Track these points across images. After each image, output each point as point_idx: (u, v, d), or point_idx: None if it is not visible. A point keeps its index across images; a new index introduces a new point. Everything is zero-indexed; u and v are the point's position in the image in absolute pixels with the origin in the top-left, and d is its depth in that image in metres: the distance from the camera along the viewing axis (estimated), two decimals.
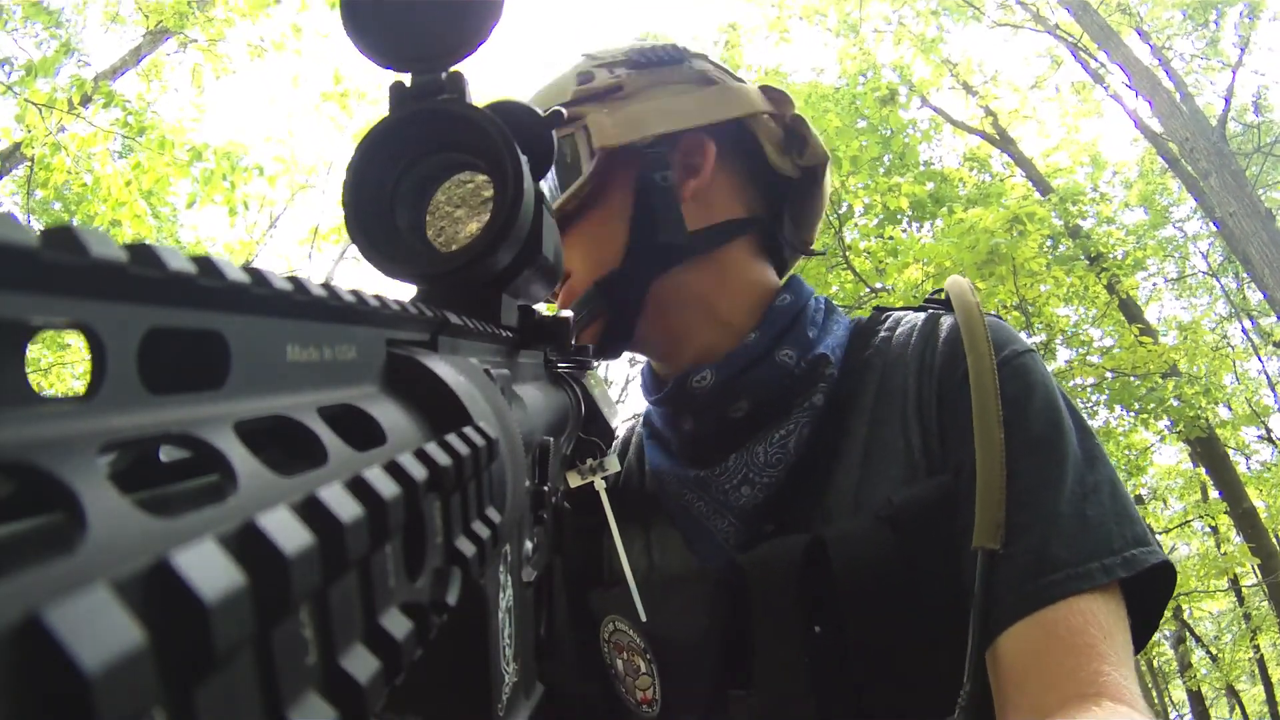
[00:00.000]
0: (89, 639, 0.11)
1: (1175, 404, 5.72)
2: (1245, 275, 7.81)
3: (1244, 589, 8.29)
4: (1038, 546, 0.59)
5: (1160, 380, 5.79)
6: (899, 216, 6.04)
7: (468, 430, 0.28)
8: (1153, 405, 5.75)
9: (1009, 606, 0.58)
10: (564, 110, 0.70)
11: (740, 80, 0.81)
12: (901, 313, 0.79)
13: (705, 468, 0.73)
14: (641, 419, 0.86)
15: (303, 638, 0.17)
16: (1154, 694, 6.05)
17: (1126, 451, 7.02)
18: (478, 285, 0.45)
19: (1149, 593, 0.61)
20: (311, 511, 0.17)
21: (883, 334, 0.77)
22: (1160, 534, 9.43)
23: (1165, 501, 9.15)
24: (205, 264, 0.17)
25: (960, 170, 7.24)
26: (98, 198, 5.27)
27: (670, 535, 0.75)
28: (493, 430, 0.31)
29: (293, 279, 0.21)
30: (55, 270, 0.13)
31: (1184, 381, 5.86)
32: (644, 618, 0.67)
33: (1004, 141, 7.59)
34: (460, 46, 0.43)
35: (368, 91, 6.87)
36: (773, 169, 0.79)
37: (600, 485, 0.70)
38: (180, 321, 0.17)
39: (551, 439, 0.50)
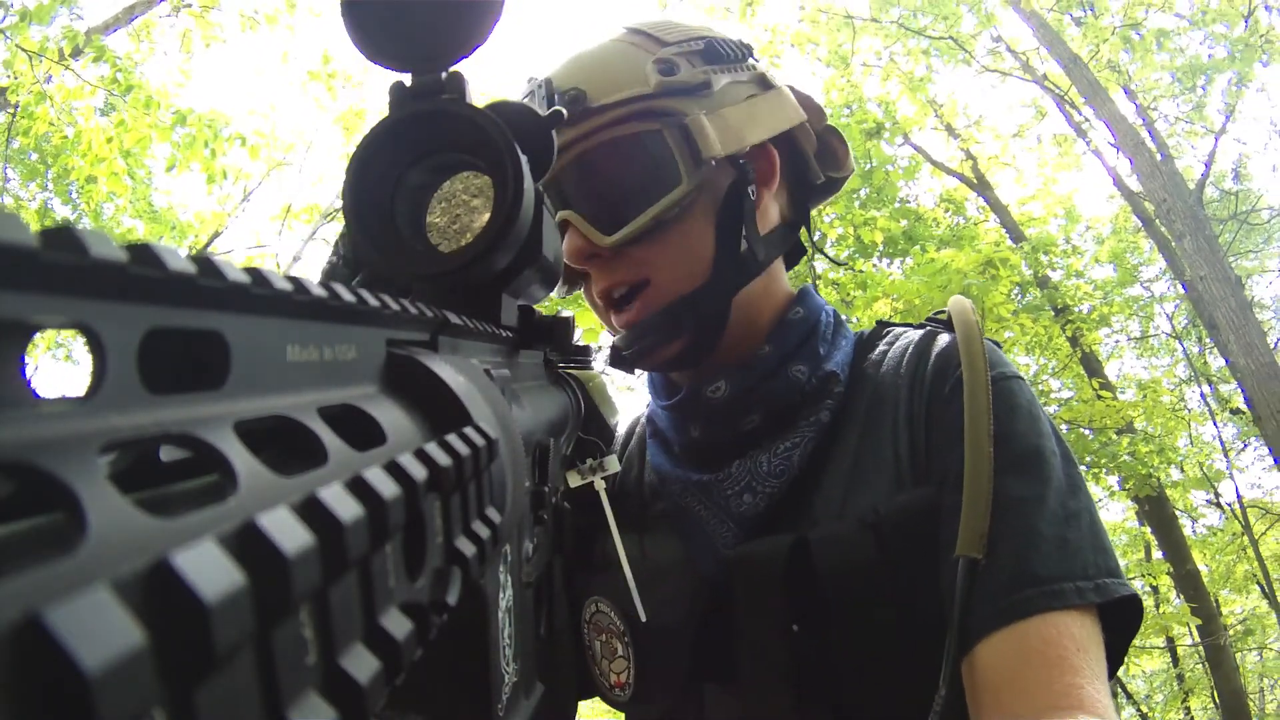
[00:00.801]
0: (89, 639, 0.11)
1: (1128, 460, 5.80)
2: (1208, 340, 7.88)
3: (1179, 649, 8.36)
4: (1017, 561, 0.60)
5: (1114, 436, 5.85)
6: (871, 250, 6.07)
7: (468, 430, 0.28)
8: (1105, 460, 5.83)
9: (986, 617, 0.59)
10: (590, 104, 0.69)
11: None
12: (902, 329, 0.80)
13: (709, 472, 0.73)
14: (645, 418, 0.85)
15: (303, 638, 0.17)
16: None
17: None
18: (478, 285, 0.45)
19: (1116, 627, 0.61)
20: (311, 511, 0.17)
21: (881, 347, 0.77)
22: None
23: None
24: (205, 264, 0.17)
25: (935, 210, 7.26)
26: (77, 152, 5.27)
27: (665, 529, 0.76)
28: (493, 430, 0.31)
29: (293, 279, 0.21)
30: (55, 270, 0.13)
31: (1139, 439, 5.92)
32: (644, 618, 0.68)
33: (981, 186, 7.64)
34: (460, 46, 0.43)
35: (354, 75, 6.85)
36: (812, 177, 0.80)
37: (600, 485, 0.70)
38: (180, 321, 0.17)
39: (551, 439, 0.50)
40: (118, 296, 0.15)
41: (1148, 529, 7.16)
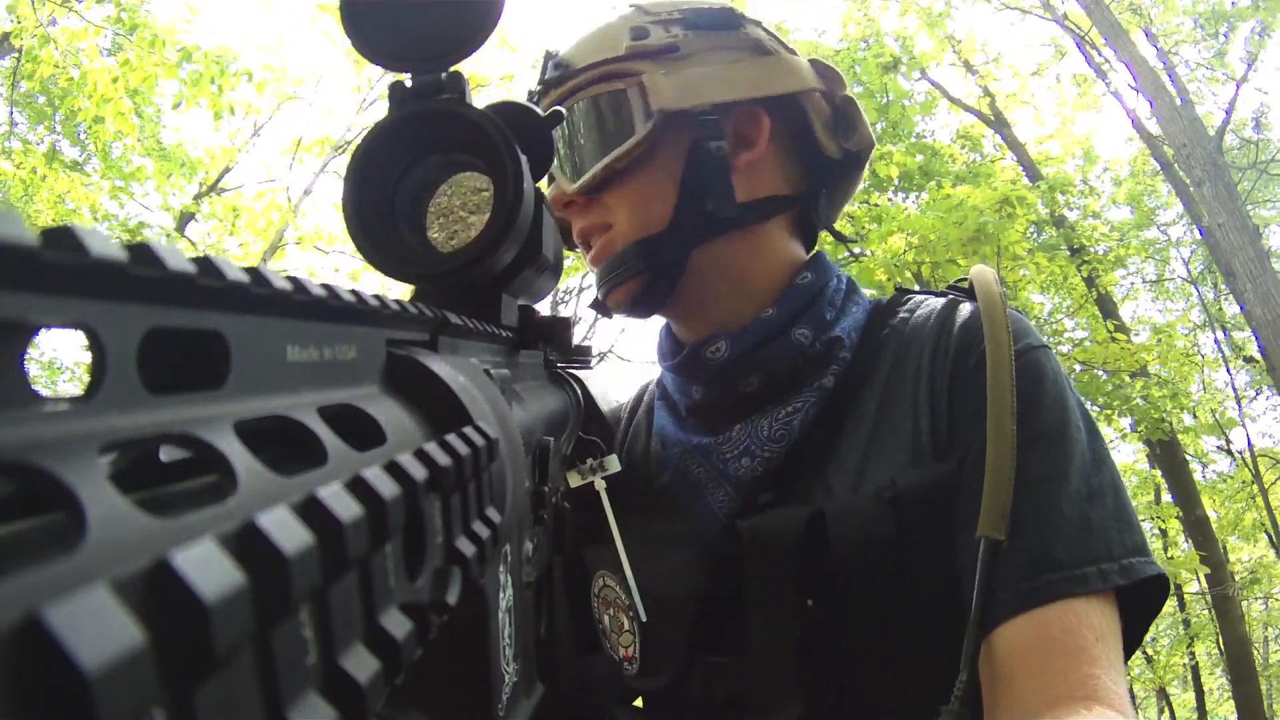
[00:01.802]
0: (89, 639, 0.11)
1: (1140, 403, 5.74)
2: (1224, 287, 7.83)
3: (1186, 595, 8.35)
4: (1038, 544, 0.59)
5: (1128, 379, 5.80)
6: (886, 185, 6.02)
7: (468, 430, 0.28)
8: (1118, 403, 5.77)
9: (1005, 602, 0.59)
10: (570, 69, 0.74)
11: (793, 52, 0.81)
12: (923, 296, 0.79)
13: (710, 435, 0.74)
14: (656, 381, 0.87)
15: (303, 638, 0.17)
16: None
17: None
18: (478, 285, 0.45)
19: (1139, 604, 0.61)
20: (311, 511, 0.17)
21: (901, 315, 0.77)
22: None
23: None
24: (205, 264, 0.17)
25: (951, 147, 7.19)
26: (83, 93, 5.25)
27: (669, 502, 0.76)
28: (493, 430, 0.30)
29: (293, 279, 0.21)
30: (55, 270, 0.13)
31: (1152, 383, 5.87)
32: (644, 618, 0.68)
33: (999, 123, 7.55)
34: (460, 46, 0.43)
35: None
36: (819, 148, 0.80)
37: (600, 485, 0.70)
38: (180, 321, 0.17)
39: (551, 439, 0.50)
40: (118, 296, 0.15)
41: (1158, 472, 7.11)
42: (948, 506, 0.64)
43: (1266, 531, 8.75)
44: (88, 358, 0.15)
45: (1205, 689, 9.29)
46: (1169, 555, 7.47)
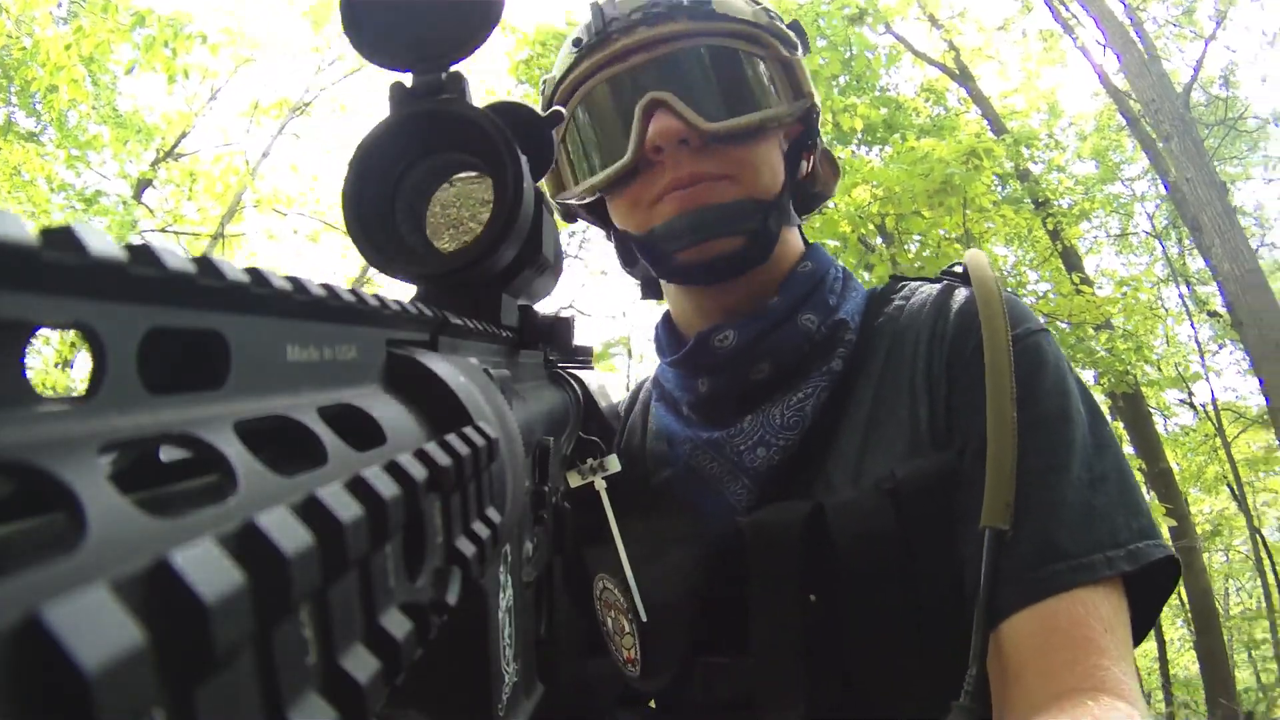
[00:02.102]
0: (89, 639, 0.11)
1: (1105, 355, 5.71)
2: (1188, 242, 7.82)
3: None
4: (1042, 534, 0.59)
5: (1092, 331, 5.77)
6: (849, 137, 5.98)
7: (468, 430, 0.28)
8: (1081, 355, 5.73)
9: (1011, 594, 0.58)
10: (711, 7, 0.72)
11: None
12: (918, 283, 0.79)
13: (719, 429, 0.73)
14: (652, 380, 0.86)
15: (303, 638, 0.17)
16: None
17: None
18: (478, 285, 0.45)
19: (1149, 587, 0.61)
20: (311, 512, 0.17)
21: (896, 302, 0.77)
22: None
23: None
24: (205, 264, 0.17)
25: (915, 100, 7.13)
26: (36, 62, 5.21)
27: (670, 500, 0.75)
28: (493, 430, 0.30)
29: (293, 279, 0.21)
30: (55, 270, 0.13)
31: (1116, 335, 5.84)
32: (644, 618, 0.67)
33: (963, 77, 7.47)
34: (460, 46, 0.43)
35: None
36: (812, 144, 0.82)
37: (601, 485, 0.69)
38: (180, 321, 0.17)
39: (551, 439, 0.50)
40: (118, 296, 0.15)
41: (1120, 424, 7.10)
42: (948, 497, 0.63)
43: (1228, 484, 8.80)
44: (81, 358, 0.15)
45: (1166, 639, 9.40)
46: None
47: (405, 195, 0.46)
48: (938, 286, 0.76)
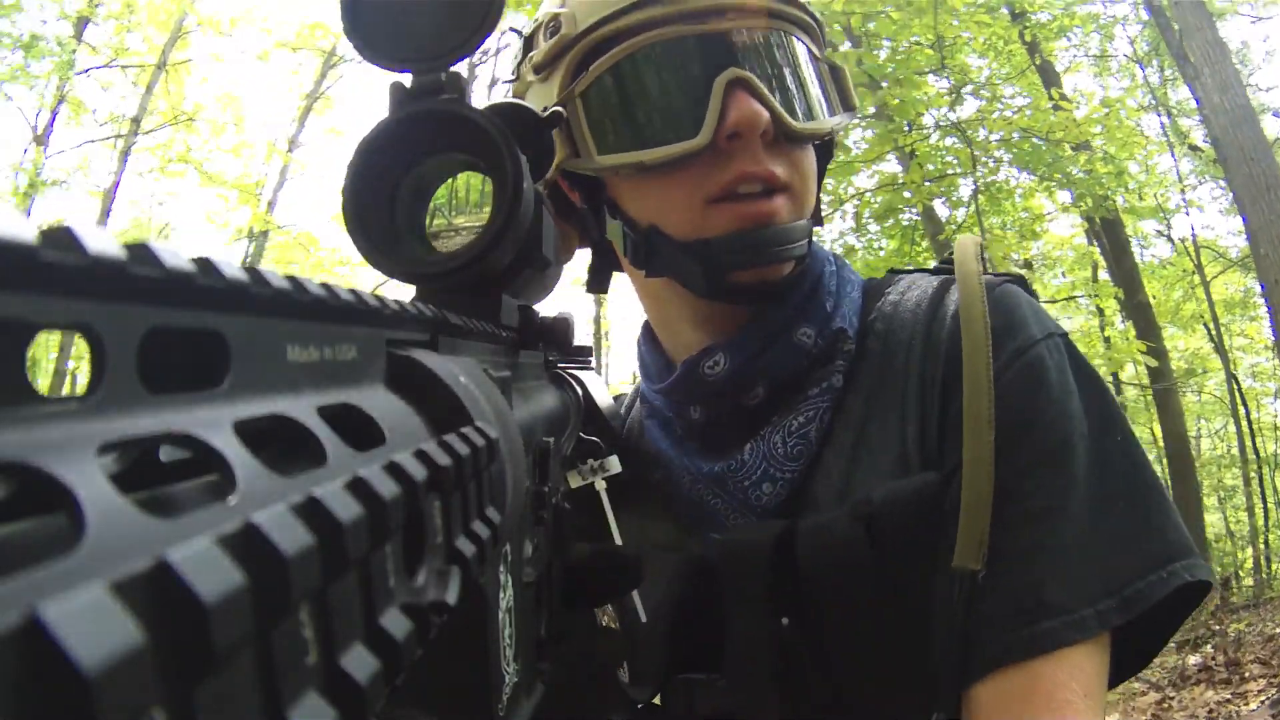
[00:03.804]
0: (88, 639, 0.11)
1: (1081, 177, 5.51)
2: (1170, 71, 7.62)
3: (1122, 381, 8.24)
4: (1032, 584, 0.55)
5: (1070, 151, 5.55)
6: None
7: (468, 430, 0.28)
8: (1057, 175, 5.53)
9: (993, 649, 0.54)
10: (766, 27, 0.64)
11: None
12: (915, 276, 0.73)
13: (718, 458, 0.69)
14: (640, 396, 0.80)
15: (303, 638, 0.17)
16: None
17: (1022, 214, 6.76)
18: (478, 285, 0.45)
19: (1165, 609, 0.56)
20: (311, 512, 0.17)
21: (890, 297, 0.71)
22: (1047, 303, 9.53)
23: (1056, 273, 9.06)
24: (204, 264, 0.17)
25: None
26: None
27: (660, 507, 0.72)
28: (493, 430, 0.31)
29: (292, 279, 0.21)
30: (55, 270, 0.13)
31: (1096, 158, 5.62)
32: (644, 618, 0.67)
33: None
34: (460, 46, 0.43)
35: None
36: None
37: (600, 486, 0.69)
38: (180, 321, 0.17)
39: (551, 439, 0.50)
40: (117, 296, 0.15)
41: (1095, 249, 6.91)
42: (929, 522, 0.58)
43: (1205, 325, 8.65)
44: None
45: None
46: (1105, 336, 7.33)
47: (405, 195, 0.46)
48: (935, 281, 0.70)
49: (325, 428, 0.21)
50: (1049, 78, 6.47)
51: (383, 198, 0.45)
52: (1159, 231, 9.03)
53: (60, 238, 0.14)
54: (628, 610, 0.68)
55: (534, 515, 0.46)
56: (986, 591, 0.55)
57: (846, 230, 6.84)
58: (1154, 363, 5.99)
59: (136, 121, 8.99)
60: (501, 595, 0.38)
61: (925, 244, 6.51)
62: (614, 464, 0.69)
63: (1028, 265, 8.00)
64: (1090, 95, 8.17)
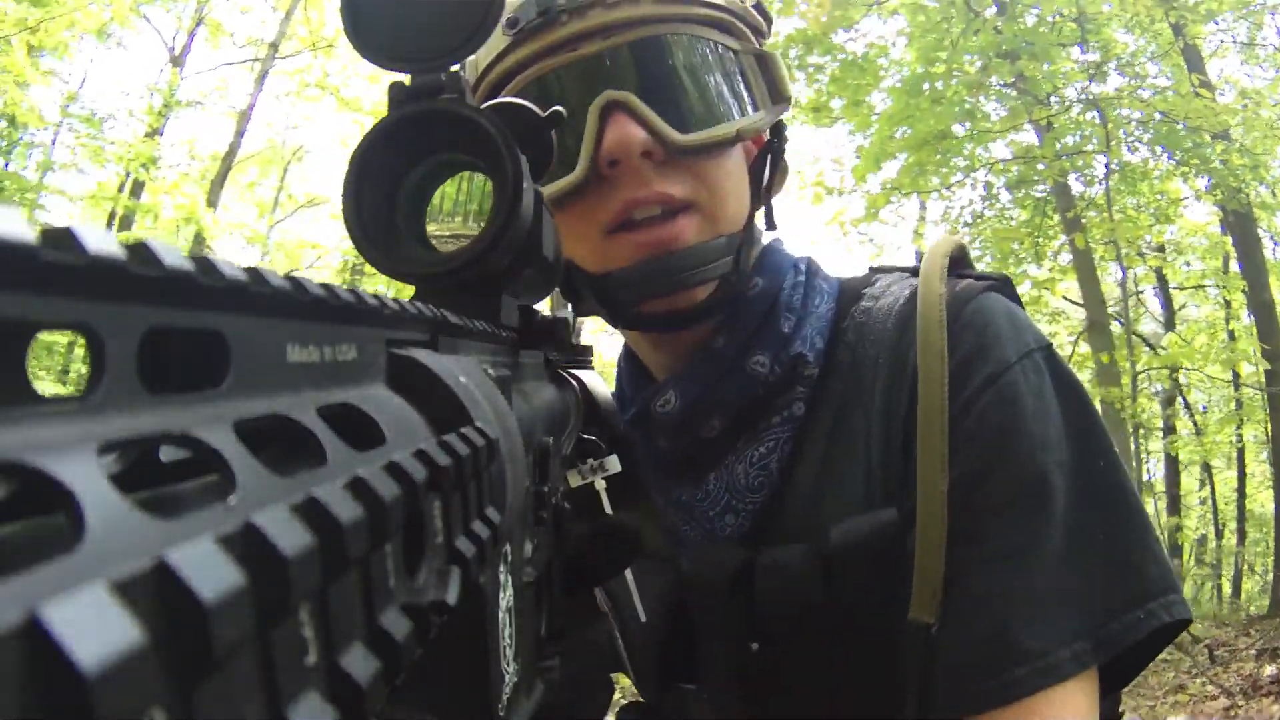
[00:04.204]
0: (88, 639, 0.11)
1: (1219, 166, 5.49)
2: None
3: (1243, 380, 8.16)
4: (999, 631, 0.52)
5: (1209, 139, 5.55)
6: None
7: (468, 430, 0.28)
8: (1195, 161, 5.50)
9: (964, 700, 0.52)
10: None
11: None
12: (894, 276, 0.69)
13: (686, 486, 0.68)
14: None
15: (303, 638, 0.17)
16: (1131, 444, 6.10)
17: (1158, 197, 6.78)
18: (478, 285, 0.45)
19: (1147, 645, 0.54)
20: (311, 512, 0.17)
21: (863, 304, 0.67)
22: (1175, 288, 9.28)
23: (1188, 260, 9.02)
24: (204, 263, 0.17)
25: None
26: None
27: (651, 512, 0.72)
28: (493, 430, 0.31)
29: (292, 278, 0.21)
30: (55, 270, 0.13)
31: (1234, 149, 5.60)
32: (643, 618, 0.67)
33: None
34: (460, 46, 0.43)
35: None
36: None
37: (600, 485, 0.69)
38: (180, 321, 0.17)
39: (551, 439, 0.50)
40: (117, 296, 0.15)
41: (1229, 239, 6.81)
42: (888, 563, 0.56)
43: None
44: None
45: (1247, 471, 9.35)
46: (1229, 329, 7.34)
47: (405, 195, 0.46)
48: (907, 288, 0.65)
49: (325, 428, 0.21)
50: (1193, 61, 6.30)
51: (383, 198, 0.45)
52: None
53: (60, 238, 0.14)
54: (624, 607, 0.68)
55: (534, 515, 0.46)
56: (952, 639, 0.53)
57: (976, 199, 6.86)
58: (1267, 365, 6.02)
59: (274, 46, 9.05)
60: (501, 595, 0.38)
61: (1056, 219, 6.50)
62: (614, 464, 0.69)
63: (1160, 249, 8.00)
64: (1236, 82, 7.96)
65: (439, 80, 0.43)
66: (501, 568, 0.39)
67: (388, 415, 0.25)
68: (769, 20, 0.68)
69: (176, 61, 8.92)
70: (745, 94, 0.65)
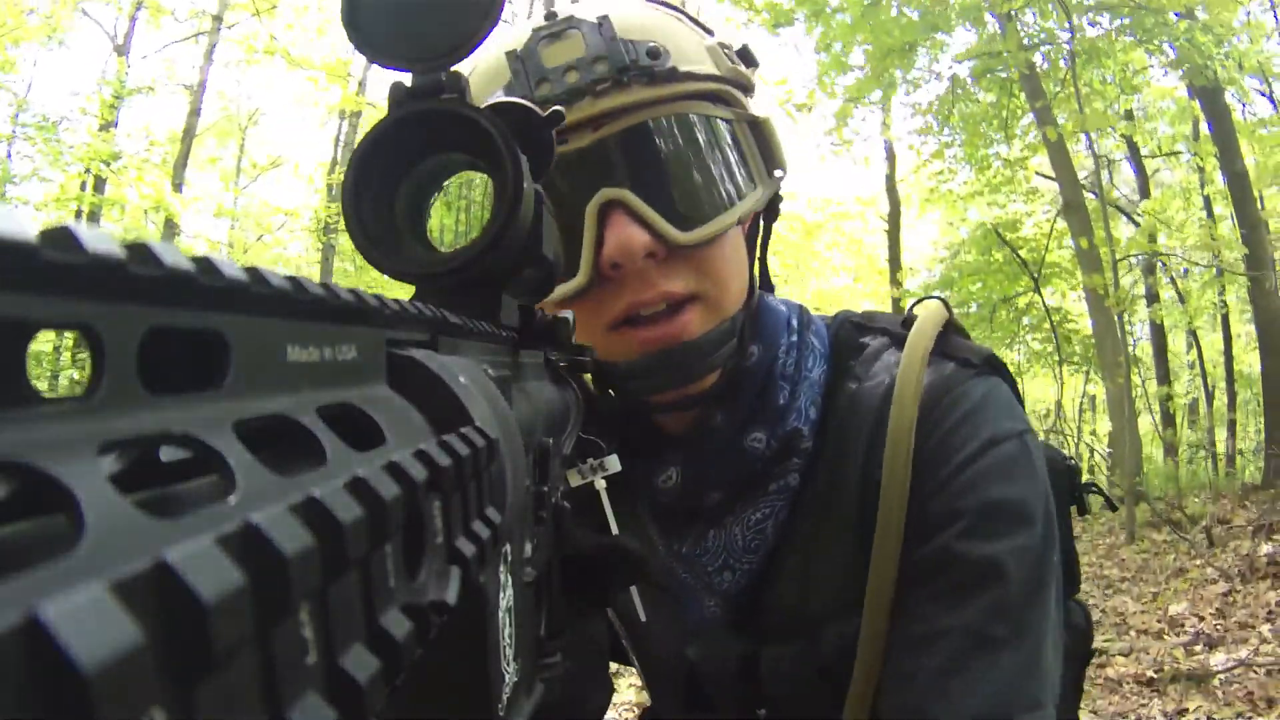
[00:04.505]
0: (88, 639, 0.11)
1: (1185, 44, 5.67)
2: None
3: (1225, 269, 8.17)
4: (917, 707, 0.56)
5: (1174, 18, 5.71)
6: None
7: (468, 430, 0.28)
8: (1160, 36, 5.71)
9: None
10: (670, 65, 0.56)
11: None
12: (879, 346, 0.68)
13: (687, 540, 0.70)
14: None
15: (303, 638, 0.17)
16: (1116, 319, 6.19)
17: (1124, 69, 6.96)
18: (478, 285, 0.45)
19: None
20: (311, 512, 0.17)
21: (849, 386, 0.67)
22: (1148, 157, 9.43)
23: (1156, 126, 9.06)
24: (204, 263, 0.17)
25: None
26: None
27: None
28: (493, 430, 0.31)
29: (292, 278, 0.21)
30: (55, 269, 0.13)
31: (1197, 26, 5.74)
32: (643, 617, 0.68)
33: None
34: (460, 46, 0.43)
35: None
36: None
37: (600, 485, 0.69)
38: (180, 321, 0.17)
39: (551, 439, 0.50)
40: (117, 296, 0.15)
41: (1197, 103, 6.96)
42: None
43: None
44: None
45: (1233, 333, 9.47)
46: (1204, 192, 7.52)
47: (405, 195, 0.46)
48: (893, 370, 0.63)
49: (325, 428, 0.21)
50: None
51: (383, 197, 0.45)
52: (1261, 92, 8.72)
53: (60, 237, 0.14)
54: (626, 609, 0.69)
55: (534, 515, 0.46)
56: (889, 710, 0.56)
57: (941, 90, 7.10)
58: (1245, 250, 6.22)
59: (218, 19, 9.04)
60: (501, 595, 0.38)
61: (1022, 97, 6.69)
62: (613, 463, 0.70)
63: (1129, 116, 8.07)
64: None
65: (439, 80, 0.43)
66: (501, 568, 0.39)
67: (388, 415, 0.25)
68: (755, 64, 0.66)
69: (120, 50, 8.92)
70: (741, 171, 0.63)
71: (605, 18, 0.57)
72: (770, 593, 0.66)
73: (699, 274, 0.60)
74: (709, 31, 0.64)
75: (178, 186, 8.61)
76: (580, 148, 0.57)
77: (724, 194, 0.61)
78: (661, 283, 0.59)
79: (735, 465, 0.65)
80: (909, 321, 0.68)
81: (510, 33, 0.60)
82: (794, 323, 0.68)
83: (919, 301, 0.70)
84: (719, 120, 0.61)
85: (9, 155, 8.65)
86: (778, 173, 0.64)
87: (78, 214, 8.31)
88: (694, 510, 0.69)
